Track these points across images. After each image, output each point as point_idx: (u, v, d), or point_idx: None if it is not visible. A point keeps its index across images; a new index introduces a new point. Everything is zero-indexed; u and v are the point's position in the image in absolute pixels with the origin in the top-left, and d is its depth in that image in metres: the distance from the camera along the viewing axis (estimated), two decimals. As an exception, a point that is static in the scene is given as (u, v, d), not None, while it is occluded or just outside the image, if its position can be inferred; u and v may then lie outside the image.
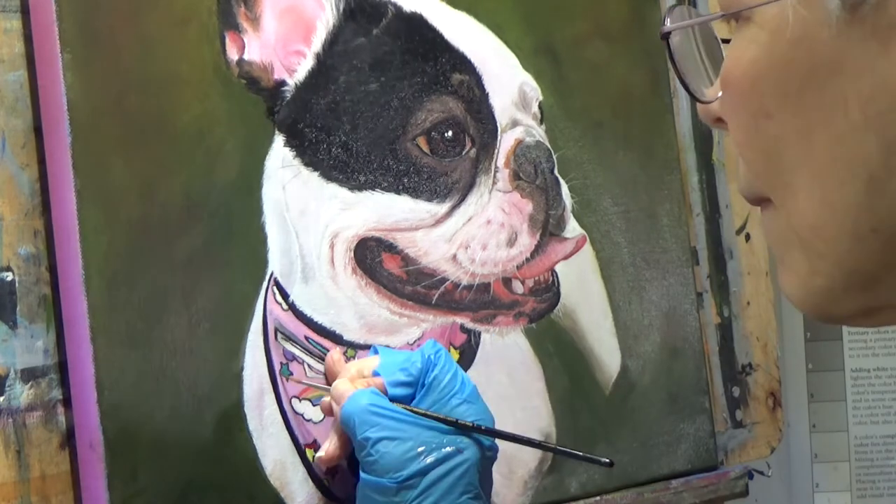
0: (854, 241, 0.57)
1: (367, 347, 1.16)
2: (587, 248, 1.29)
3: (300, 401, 1.13)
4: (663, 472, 1.34)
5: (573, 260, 1.26)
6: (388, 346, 1.16)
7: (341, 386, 1.09)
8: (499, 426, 1.12)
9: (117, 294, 1.04)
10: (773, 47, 0.58)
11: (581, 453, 1.13)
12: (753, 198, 0.63)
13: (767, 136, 0.59)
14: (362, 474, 1.07)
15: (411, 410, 1.07)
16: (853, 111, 0.56)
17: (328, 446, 1.10)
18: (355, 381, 1.09)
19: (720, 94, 0.63)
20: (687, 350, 1.38)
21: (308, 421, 1.14)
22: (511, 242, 1.20)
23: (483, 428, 1.08)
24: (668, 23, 0.65)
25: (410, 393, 1.09)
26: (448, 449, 1.06)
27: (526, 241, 1.21)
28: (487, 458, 1.09)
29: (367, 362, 1.12)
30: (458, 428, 1.07)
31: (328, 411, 1.11)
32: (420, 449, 1.05)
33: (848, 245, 0.58)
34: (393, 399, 1.08)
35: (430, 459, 1.05)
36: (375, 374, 1.10)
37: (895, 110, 0.55)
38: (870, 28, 0.55)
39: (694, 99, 0.66)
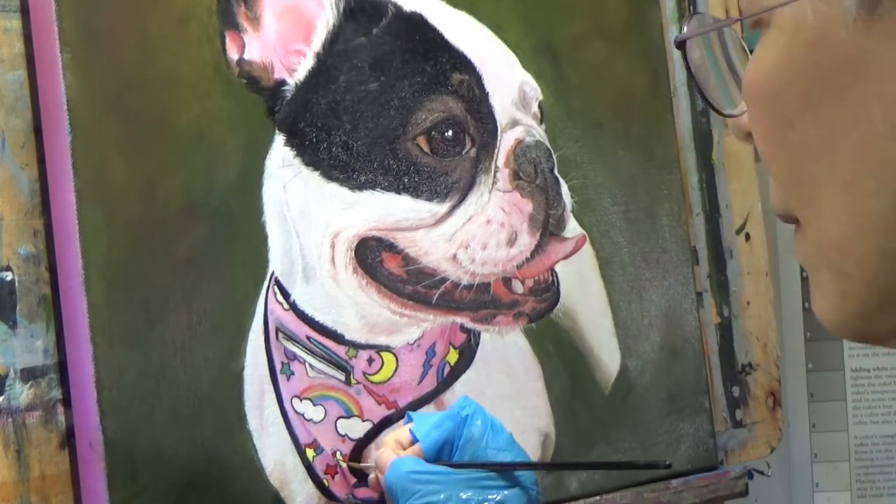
0: (883, 259, 0.54)
1: (368, 347, 1.17)
2: (587, 248, 1.29)
3: (301, 400, 1.14)
4: (663, 472, 1.34)
5: (573, 260, 1.26)
6: (418, 412, 1.16)
7: (384, 456, 1.08)
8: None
9: (117, 294, 1.04)
10: (793, 50, 0.55)
11: (636, 462, 1.13)
12: (784, 216, 0.61)
13: (791, 146, 0.56)
14: None
15: (449, 465, 1.07)
16: (877, 118, 0.53)
17: None
18: (396, 451, 1.09)
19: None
20: (687, 350, 1.38)
21: (309, 421, 1.14)
22: (511, 242, 1.20)
23: (521, 463, 1.08)
24: (684, 30, 0.63)
25: (448, 451, 1.09)
26: (493, 496, 1.06)
27: (526, 241, 1.21)
28: (534, 499, 1.09)
29: (403, 431, 1.11)
30: (497, 469, 1.07)
31: (377, 487, 1.11)
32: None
33: (876, 263, 0.55)
34: (431, 460, 1.07)
35: None
36: (414, 439, 1.09)
37: None
38: (889, 26, 0.52)
39: (718, 113, 0.64)
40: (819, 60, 0.54)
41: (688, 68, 0.63)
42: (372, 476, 1.12)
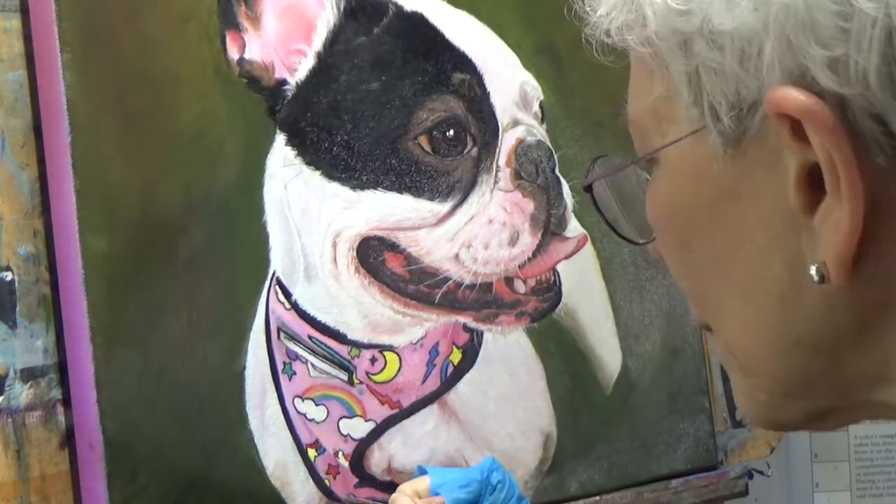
0: (781, 356, 0.61)
1: (370, 346, 1.17)
2: (588, 248, 1.29)
3: (303, 400, 1.13)
4: (663, 472, 1.34)
5: (574, 259, 1.26)
6: (432, 466, 1.16)
7: None
8: (500, 426, 1.12)
9: (117, 294, 1.04)
10: (679, 183, 0.62)
11: None
12: (701, 325, 0.68)
13: (691, 266, 0.64)
14: None
15: None
16: (757, 235, 0.59)
17: None
18: (415, 501, 1.08)
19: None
20: (687, 350, 1.38)
21: (310, 421, 1.14)
22: (513, 241, 1.20)
23: None
24: (589, 175, 0.70)
25: None
26: None
27: (528, 241, 1.21)
28: None
29: (421, 481, 1.11)
30: None
31: None
32: None
33: (777, 360, 0.61)
34: None
35: None
36: (435, 493, 1.09)
37: (790, 230, 0.58)
38: (754, 157, 0.58)
39: (627, 241, 0.71)
40: (700, 190, 0.61)
41: (595, 207, 0.70)
42: None
